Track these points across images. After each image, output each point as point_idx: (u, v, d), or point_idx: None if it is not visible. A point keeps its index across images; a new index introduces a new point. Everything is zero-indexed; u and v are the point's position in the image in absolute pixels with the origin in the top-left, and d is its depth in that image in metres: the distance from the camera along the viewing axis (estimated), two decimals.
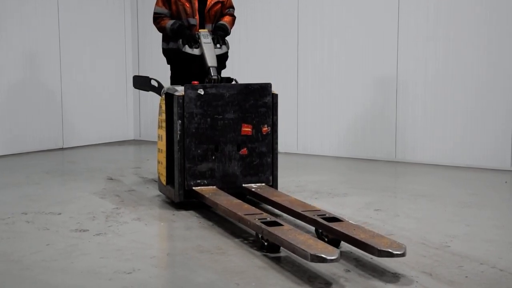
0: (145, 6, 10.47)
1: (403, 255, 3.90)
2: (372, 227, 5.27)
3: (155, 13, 6.28)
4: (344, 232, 4.25)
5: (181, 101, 5.43)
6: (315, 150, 9.16)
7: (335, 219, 4.57)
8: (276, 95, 5.75)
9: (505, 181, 7.33)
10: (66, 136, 9.65)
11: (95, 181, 7.30)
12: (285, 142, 8.76)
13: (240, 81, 6.10)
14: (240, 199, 5.39)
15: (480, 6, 8.00)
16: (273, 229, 4.26)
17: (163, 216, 5.78)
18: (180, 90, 5.54)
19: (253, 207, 4.96)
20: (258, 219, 4.54)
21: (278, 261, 4.38)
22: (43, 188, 6.99)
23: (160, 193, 6.48)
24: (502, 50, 7.88)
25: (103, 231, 5.29)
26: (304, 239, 4.02)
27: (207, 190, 5.44)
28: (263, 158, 5.68)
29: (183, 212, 5.83)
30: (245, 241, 4.91)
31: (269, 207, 5.51)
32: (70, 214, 5.82)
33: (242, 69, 9.04)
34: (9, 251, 4.79)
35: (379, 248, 3.89)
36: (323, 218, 4.59)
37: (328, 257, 3.70)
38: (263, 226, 4.35)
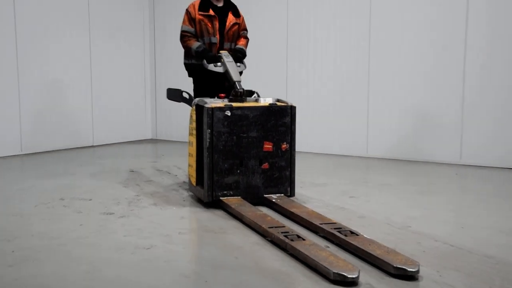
0: (161, 25, 10.46)
1: (417, 272, 3.54)
2: (348, 211, 5.36)
3: (182, 31, 6.03)
4: (360, 247, 3.92)
5: (210, 112, 5.16)
6: (298, 147, 9.15)
7: (351, 233, 4.24)
8: (295, 107, 5.44)
9: (456, 173, 7.37)
10: (95, 135, 9.71)
11: (119, 173, 7.41)
12: None
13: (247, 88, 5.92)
14: (262, 206, 5.25)
15: None
16: (296, 244, 3.94)
17: (175, 201, 5.82)
18: (209, 102, 5.30)
19: (276, 220, 4.66)
20: (281, 232, 4.22)
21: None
22: (77, 178, 7.09)
23: (173, 182, 6.53)
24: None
25: (126, 214, 5.35)
26: (325, 255, 3.71)
27: (232, 201, 5.17)
28: (282, 172, 5.39)
29: (192, 199, 5.84)
30: (243, 223, 4.91)
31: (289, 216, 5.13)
32: (99, 200, 5.89)
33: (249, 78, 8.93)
34: (49, 230, 4.84)
35: (394, 265, 3.56)
36: (340, 232, 4.25)
37: (349, 275, 3.39)
38: (287, 240, 4.04)
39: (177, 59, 10.38)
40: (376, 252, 3.75)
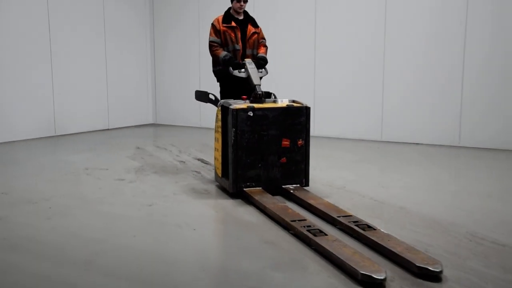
0: (160, 30, 10.39)
1: (441, 272, 2.85)
2: None
3: (210, 42, 5.42)
4: (380, 243, 3.27)
5: (235, 113, 4.54)
6: None
7: (368, 227, 3.57)
8: (309, 108, 4.78)
9: (378, 147, 7.51)
10: (110, 121, 9.65)
11: (128, 149, 7.42)
12: None
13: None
14: (280, 196, 4.66)
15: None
16: (319, 240, 3.30)
17: (171, 170, 5.90)
18: (233, 103, 4.70)
19: (296, 212, 3.98)
20: (303, 226, 3.57)
21: (246, 203, 4.44)
22: (97, 153, 7.13)
23: (169, 156, 6.53)
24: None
25: (134, 180, 5.45)
26: (350, 253, 3.06)
27: (255, 191, 4.55)
28: (298, 165, 4.75)
29: (185, 169, 5.93)
30: (224, 190, 4.95)
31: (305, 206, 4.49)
32: (113, 169, 5.98)
33: None
34: (77, 192, 4.98)
35: (417, 265, 2.89)
36: (357, 226, 3.59)
37: (377, 277, 2.75)
38: (310, 235, 3.39)
39: (173, 58, 10.36)
40: (397, 249, 3.12)
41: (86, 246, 3.42)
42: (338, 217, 3.81)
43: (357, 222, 3.66)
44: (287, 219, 3.73)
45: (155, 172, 5.75)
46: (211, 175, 5.55)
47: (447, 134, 7.46)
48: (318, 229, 3.49)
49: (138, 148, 7.45)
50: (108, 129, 9.68)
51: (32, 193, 4.83)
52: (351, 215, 3.85)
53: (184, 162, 6.33)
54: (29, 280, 2.91)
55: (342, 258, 2.96)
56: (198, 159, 6.47)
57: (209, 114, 9.43)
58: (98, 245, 3.44)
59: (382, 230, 3.48)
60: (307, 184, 4.82)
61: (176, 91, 10.18)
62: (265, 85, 7.62)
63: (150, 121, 10.73)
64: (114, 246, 3.42)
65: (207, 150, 7.14)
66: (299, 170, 4.77)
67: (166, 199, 4.61)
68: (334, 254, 3.04)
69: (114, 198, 4.65)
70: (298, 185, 4.77)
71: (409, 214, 4.07)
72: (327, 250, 3.13)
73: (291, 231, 3.65)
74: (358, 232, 3.49)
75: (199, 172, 5.70)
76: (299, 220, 3.70)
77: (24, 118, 8.26)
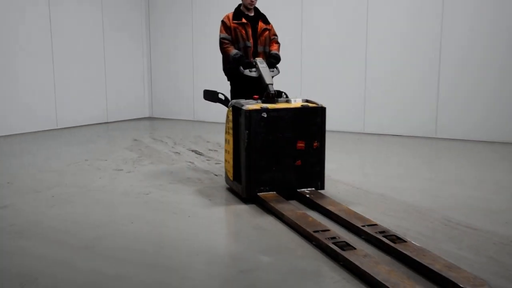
0: (155, 29, 10.56)
1: None
2: None
3: (221, 39, 5.04)
4: (415, 258, 2.90)
5: (248, 114, 4.16)
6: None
7: (397, 238, 3.22)
8: (325, 108, 4.45)
9: (358, 138, 7.61)
10: (109, 114, 9.73)
11: (126, 141, 7.50)
12: None
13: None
14: (296, 200, 4.31)
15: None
16: (349, 255, 2.93)
17: (166, 161, 5.97)
18: (245, 104, 4.33)
19: (318, 221, 3.60)
20: (328, 238, 3.22)
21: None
22: (97, 145, 7.23)
23: (165, 147, 6.74)
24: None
25: (132, 170, 5.52)
26: (385, 271, 2.69)
27: (269, 196, 4.16)
28: (313, 168, 4.37)
29: (180, 160, 6.00)
30: (216, 176, 5.12)
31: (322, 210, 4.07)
32: (112, 160, 6.05)
33: None
34: (78, 181, 5.04)
35: (462, 286, 2.53)
36: (386, 237, 3.24)
37: None
38: (338, 250, 3.02)
39: (168, 55, 10.39)
40: (435, 267, 2.75)
41: (88, 231, 3.53)
42: (362, 226, 3.48)
43: (384, 233, 3.32)
44: (309, 229, 3.40)
45: (152, 162, 5.83)
46: (204, 165, 5.65)
47: (424, 126, 7.60)
48: (344, 241, 3.16)
49: (135, 140, 7.51)
50: (106, 123, 9.77)
51: (36, 182, 4.93)
52: (376, 224, 3.51)
53: (179, 153, 6.40)
54: (35, 263, 3.03)
55: (378, 279, 2.62)
56: (192, 151, 6.55)
57: (202, 108, 9.55)
58: (99, 230, 3.55)
59: (413, 242, 3.15)
60: (322, 188, 4.48)
61: (171, 86, 10.31)
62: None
63: (147, 114, 10.80)
64: (114, 232, 3.53)
65: (201, 142, 7.26)
66: (314, 173, 4.42)
67: (162, 188, 4.68)
68: (369, 273, 2.70)
69: (114, 187, 4.73)
70: (314, 188, 4.43)
71: (389, 201, 4.20)
72: (359, 268, 2.79)
73: (313, 242, 3.31)
74: (388, 245, 3.15)
75: (193, 163, 5.79)
76: (322, 231, 3.36)
77: (28, 112, 8.42)
